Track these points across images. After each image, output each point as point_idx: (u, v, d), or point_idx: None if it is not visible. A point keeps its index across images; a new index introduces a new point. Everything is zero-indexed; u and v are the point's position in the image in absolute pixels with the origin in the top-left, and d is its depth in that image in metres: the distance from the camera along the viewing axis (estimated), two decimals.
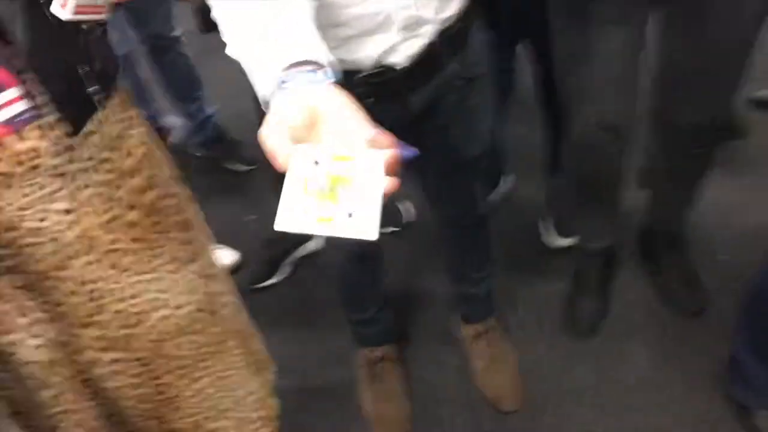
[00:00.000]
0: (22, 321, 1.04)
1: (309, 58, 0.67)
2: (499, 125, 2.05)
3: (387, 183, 0.57)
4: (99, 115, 0.99)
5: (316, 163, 0.57)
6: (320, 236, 0.76)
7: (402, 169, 0.59)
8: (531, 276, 1.94)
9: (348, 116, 0.61)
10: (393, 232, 2.10)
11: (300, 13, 0.75)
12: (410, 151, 0.63)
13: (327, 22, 0.99)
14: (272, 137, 0.59)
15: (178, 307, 1.11)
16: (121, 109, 1.04)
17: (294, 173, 0.57)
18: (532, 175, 2.11)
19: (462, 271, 1.68)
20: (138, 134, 1.07)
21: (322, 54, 0.69)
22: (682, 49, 1.38)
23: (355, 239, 0.55)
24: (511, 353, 1.75)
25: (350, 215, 0.56)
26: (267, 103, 0.66)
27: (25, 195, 0.95)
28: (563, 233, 1.98)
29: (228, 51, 0.78)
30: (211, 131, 2.47)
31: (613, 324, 1.81)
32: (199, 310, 1.14)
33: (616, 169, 1.59)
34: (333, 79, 0.67)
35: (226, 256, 2.01)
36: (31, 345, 1.04)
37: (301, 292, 2.03)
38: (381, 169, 0.57)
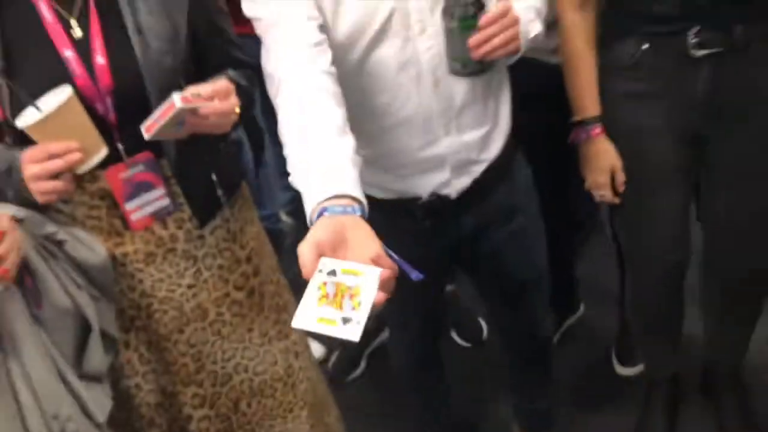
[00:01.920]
0: (142, 369, 1.30)
1: (347, 192, 0.86)
2: (574, 255, 2.22)
3: (377, 296, 0.74)
4: (225, 213, 1.28)
5: (333, 272, 0.75)
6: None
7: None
8: (601, 405, 2.00)
9: (364, 241, 0.79)
10: (472, 346, 2.26)
11: (346, 151, 0.94)
12: (416, 274, 0.81)
13: (392, 164, 1.22)
14: (305, 251, 0.77)
15: (256, 374, 1.35)
16: (243, 210, 1.33)
17: (314, 281, 0.75)
18: (608, 301, 2.21)
19: (523, 387, 1.79)
20: (253, 231, 1.35)
21: (358, 191, 0.88)
22: (726, 208, 1.51)
23: (345, 339, 0.72)
24: None
25: (344, 320, 0.72)
26: (311, 223, 0.84)
27: (162, 270, 1.24)
28: (629, 362, 2.07)
29: (290, 179, 0.97)
30: None
31: None
32: (276, 379, 1.38)
33: (675, 301, 1.69)
34: (361, 213, 0.84)
35: (313, 350, 2.25)
36: (145, 389, 1.30)
37: (379, 385, 2.19)
38: (375, 284, 0.74)
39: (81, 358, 1.19)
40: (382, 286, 0.75)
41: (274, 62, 1.06)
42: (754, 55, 1.32)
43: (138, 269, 1.23)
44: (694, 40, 1.31)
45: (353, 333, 0.71)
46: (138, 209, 1.20)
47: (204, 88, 1.07)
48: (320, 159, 0.93)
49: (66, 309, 1.15)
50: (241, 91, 1.17)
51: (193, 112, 1.04)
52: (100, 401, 1.21)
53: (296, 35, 1.05)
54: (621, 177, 1.48)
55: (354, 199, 0.86)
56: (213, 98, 1.07)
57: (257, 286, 1.35)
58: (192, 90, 1.06)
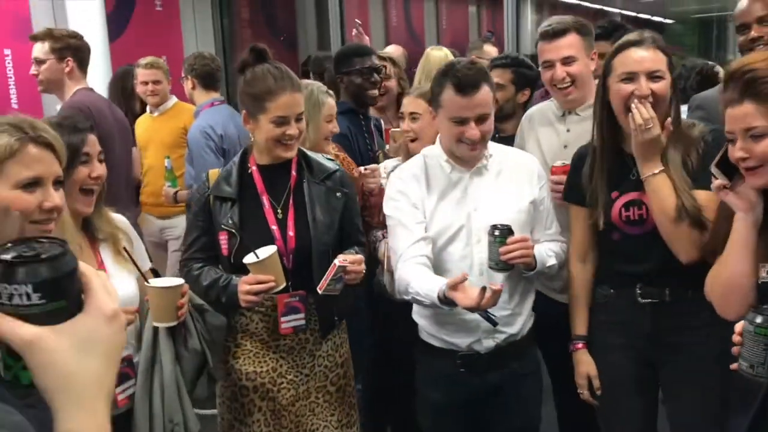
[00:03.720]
0: (265, 429, 2.02)
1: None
2: None
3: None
4: (335, 331, 2.07)
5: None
6: None
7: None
8: None
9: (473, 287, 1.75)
10: None
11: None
12: (495, 320, 1.74)
13: (446, 320, 1.96)
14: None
15: None
16: (343, 333, 2.13)
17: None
18: None
19: None
20: (347, 347, 2.15)
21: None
22: (669, 416, 1.96)
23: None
24: None
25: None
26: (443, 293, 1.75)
27: (295, 360, 2.02)
28: None
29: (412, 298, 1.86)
30: None
31: None
32: None
33: None
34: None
35: None
36: None
37: None
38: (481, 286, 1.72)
39: (194, 387, 1.89)
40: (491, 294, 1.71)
41: (397, 244, 1.96)
42: (683, 308, 1.84)
43: (282, 356, 2.01)
44: (639, 292, 1.91)
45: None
46: (286, 322, 2.00)
47: (350, 257, 1.92)
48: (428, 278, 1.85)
49: (196, 351, 1.87)
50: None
51: (343, 269, 1.87)
52: (197, 419, 1.84)
53: (411, 232, 1.94)
54: (596, 383, 2.00)
55: None
56: (354, 263, 1.90)
57: (343, 386, 2.11)
58: (342, 256, 1.90)
